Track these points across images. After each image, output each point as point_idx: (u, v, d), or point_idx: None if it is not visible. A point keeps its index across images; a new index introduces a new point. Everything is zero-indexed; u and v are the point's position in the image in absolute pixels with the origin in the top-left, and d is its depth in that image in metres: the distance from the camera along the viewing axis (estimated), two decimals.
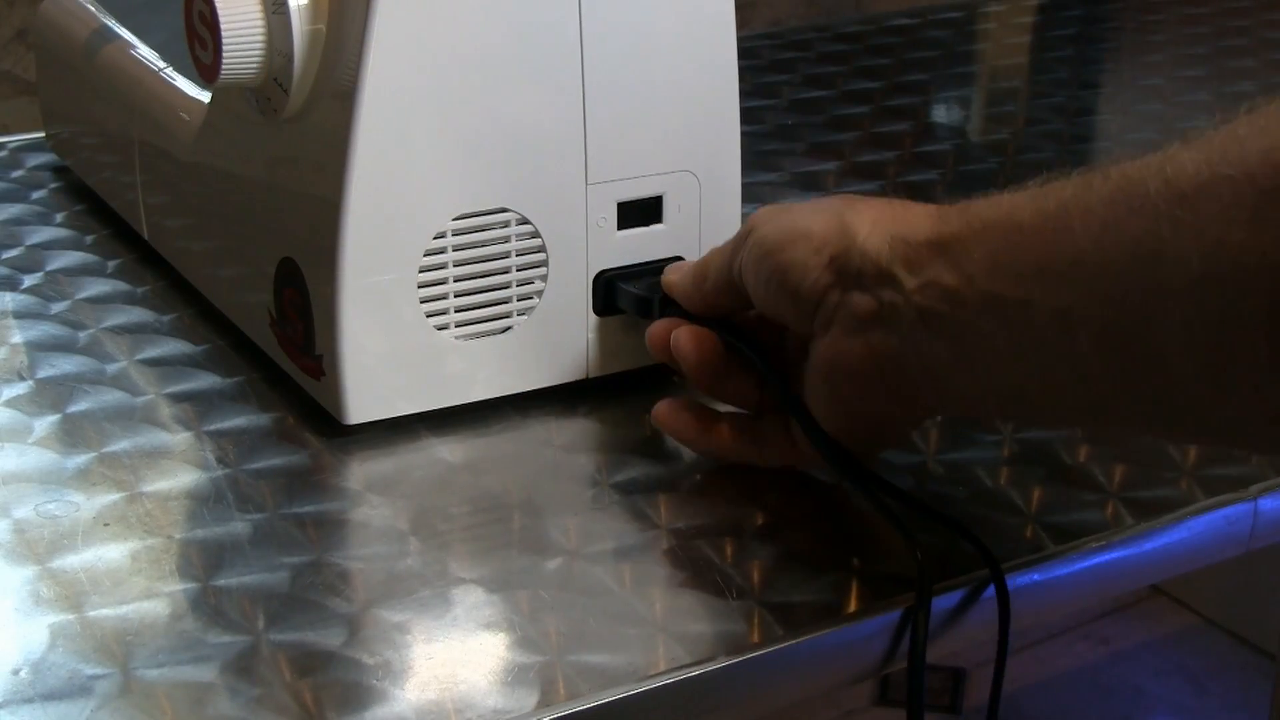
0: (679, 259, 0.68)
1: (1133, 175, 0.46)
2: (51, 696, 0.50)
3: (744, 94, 0.69)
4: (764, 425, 0.62)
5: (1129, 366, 0.46)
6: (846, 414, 0.57)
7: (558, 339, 0.67)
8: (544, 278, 0.66)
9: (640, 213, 0.67)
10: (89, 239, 0.85)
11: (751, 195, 0.72)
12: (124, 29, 0.84)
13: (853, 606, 0.55)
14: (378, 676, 0.51)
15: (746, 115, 0.69)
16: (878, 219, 0.54)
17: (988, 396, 0.53)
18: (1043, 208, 0.49)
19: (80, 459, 0.63)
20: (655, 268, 0.67)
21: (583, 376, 0.68)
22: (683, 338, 0.61)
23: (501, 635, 0.53)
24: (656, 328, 0.63)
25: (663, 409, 0.63)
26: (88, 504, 0.60)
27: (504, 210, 0.64)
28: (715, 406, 0.63)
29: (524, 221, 0.65)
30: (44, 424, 0.66)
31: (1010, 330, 0.49)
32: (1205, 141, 0.45)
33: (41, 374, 0.70)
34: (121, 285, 0.79)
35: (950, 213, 0.53)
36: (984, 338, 0.50)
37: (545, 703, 0.50)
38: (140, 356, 0.72)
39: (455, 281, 0.64)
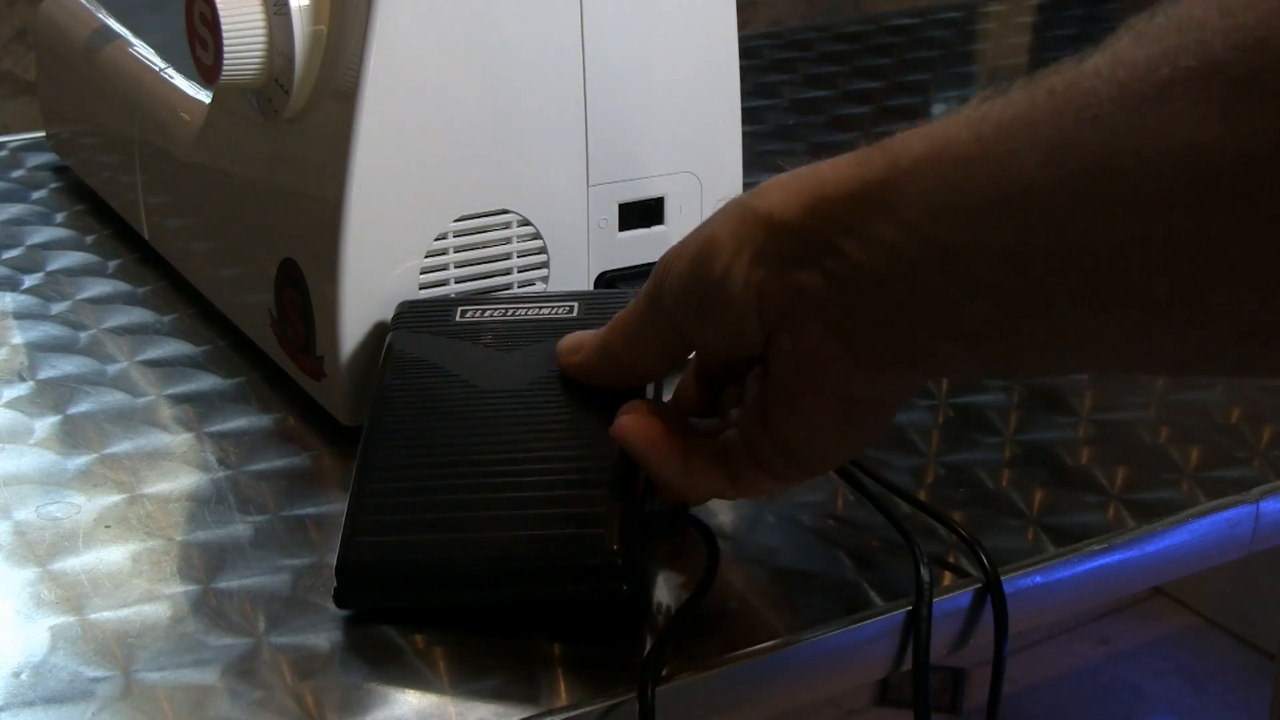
0: None
1: (1081, 84, 0.41)
2: (53, 699, 0.50)
3: (745, 94, 0.69)
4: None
5: (1095, 301, 0.41)
6: (831, 416, 0.49)
7: None
8: (545, 279, 0.66)
9: (642, 214, 0.67)
10: (89, 239, 0.85)
11: None
12: (124, 29, 0.84)
13: (854, 610, 0.55)
14: (379, 679, 0.51)
15: (747, 115, 0.69)
16: (788, 189, 0.48)
17: (958, 353, 0.46)
18: (980, 133, 0.43)
19: (81, 460, 0.63)
20: None
21: None
22: (629, 427, 0.53)
23: (502, 637, 0.53)
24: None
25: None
26: (88, 505, 0.60)
27: (505, 211, 0.64)
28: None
29: (525, 223, 0.65)
30: (44, 425, 0.66)
31: (964, 279, 0.43)
32: (1157, 30, 0.40)
33: (42, 375, 0.70)
34: (122, 285, 0.79)
35: (873, 155, 0.46)
36: (939, 291, 0.44)
37: (547, 706, 0.50)
38: (141, 357, 0.72)
39: (456, 283, 0.64)
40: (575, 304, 0.60)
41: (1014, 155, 0.42)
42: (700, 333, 0.51)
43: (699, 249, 0.49)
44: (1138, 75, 0.39)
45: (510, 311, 0.60)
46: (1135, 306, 0.41)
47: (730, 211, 0.49)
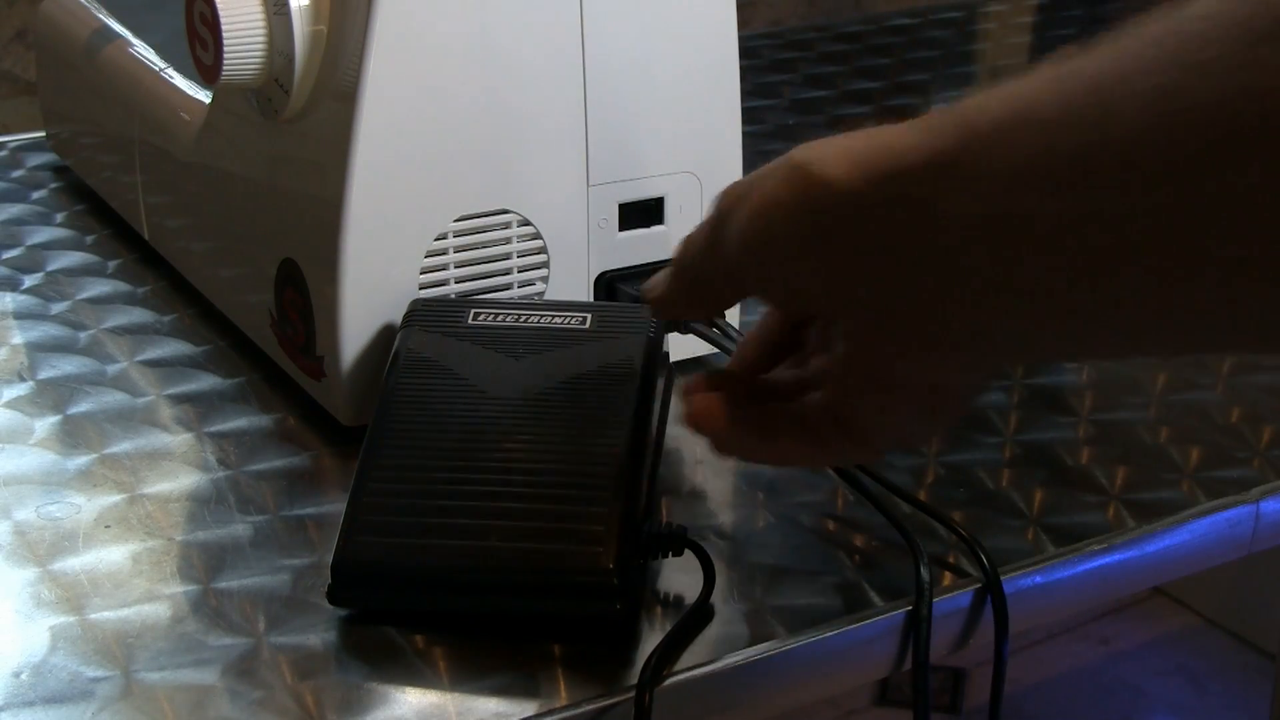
0: None
1: (1186, 29, 0.37)
2: (53, 699, 0.50)
3: (745, 94, 0.69)
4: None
5: (1188, 275, 0.38)
6: (904, 403, 0.47)
7: None
8: (545, 279, 0.66)
9: (642, 214, 0.67)
10: (89, 239, 0.85)
11: None
12: (124, 29, 0.84)
13: (854, 610, 0.55)
14: (379, 679, 0.51)
15: (747, 115, 0.69)
16: (851, 155, 0.44)
17: (1038, 334, 0.43)
18: (1067, 92, 0.39)
19: (81, 460, 0.63)
20: (657, 269, 0.67)
21: None
22: (700, 409, 0.52)
23: (502, 638, 0.53)
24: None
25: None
26: (89, 505, 0.60)
27: (505, 211, 0.64)
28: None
29: (525, 223, 0.65)
30: (45, 425, 0.66)
31: (1049, 256, 0.40)
32: None
33: (42, 375, 0.70)
34: (122, 286, 0.79)
35: (945, 123, 0.42)
36: (1020, 271, 0.41)
37: (546, 706, 0.50)
38: (141, 357, 0.72)
39: (456, 283, 0.64)
40: (589, 315, 0.60)
41: (1115, 118, 0.38)
42: (759, 289, 0.49)
43: (758, 208, 0.46)
44: (1257, 7, 0.35)
45: (523, 318, 0.61)
46: (1222, 282, 0.37)
47: (791, 176, 0.45)
